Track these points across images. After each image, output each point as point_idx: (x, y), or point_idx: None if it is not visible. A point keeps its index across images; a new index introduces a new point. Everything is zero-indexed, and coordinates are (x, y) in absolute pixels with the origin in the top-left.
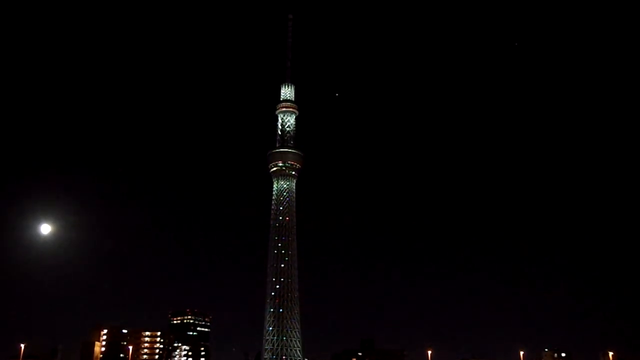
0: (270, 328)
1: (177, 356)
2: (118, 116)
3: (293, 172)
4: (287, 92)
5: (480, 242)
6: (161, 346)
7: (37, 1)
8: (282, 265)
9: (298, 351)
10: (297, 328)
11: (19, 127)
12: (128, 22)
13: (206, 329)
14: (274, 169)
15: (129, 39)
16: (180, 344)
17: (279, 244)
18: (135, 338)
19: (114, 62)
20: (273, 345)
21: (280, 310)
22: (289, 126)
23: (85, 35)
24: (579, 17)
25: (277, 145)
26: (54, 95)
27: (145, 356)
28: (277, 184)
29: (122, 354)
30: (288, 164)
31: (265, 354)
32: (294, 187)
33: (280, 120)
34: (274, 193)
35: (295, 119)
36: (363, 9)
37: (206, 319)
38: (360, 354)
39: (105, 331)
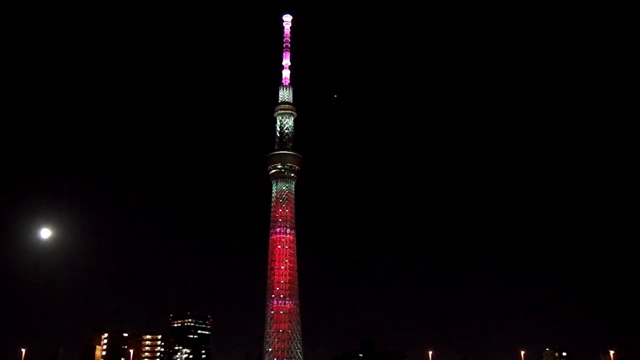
0: (271, 330)
1: (178, 359)
2: (118, 119)
3: (292, 174)
4: (285, 94)
5: (480, 242)
6: (162, 349)
7: (37, 1)
8: (282, 267)
9: (299, 353)
10: (298, 330)
11: (19, 131)
12: (128, 23)
13: (207, 332)
14: (273, 171)
15: (128, 41)
16: (181, 347)
17: (279, 246)
18: (136, 341)
19: (113, 64)
20: (274, 347)
21: (281, 312)
22: (287, 128)
23: (85, 37)
24: (579, 17)
25: (276, 147)
26: (54, 98)
27: (146, 359)
28: (277, 185)
29: (123, 357)
30: (287, 166)
31: (266, 356)
32: (293, 189)
33: (278, 122)
34: (273, 195)
35: (294, 120)
36: (362, 9)
37: (207, 322)
38: (360, 355)
39: (106, 335)
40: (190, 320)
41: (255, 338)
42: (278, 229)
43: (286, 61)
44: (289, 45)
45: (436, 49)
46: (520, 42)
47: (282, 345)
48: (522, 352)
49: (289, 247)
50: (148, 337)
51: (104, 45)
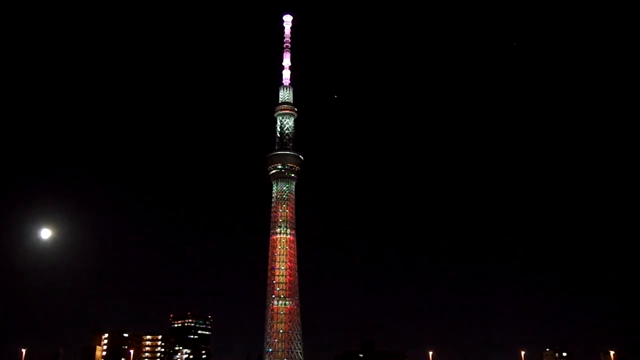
0: (271, 330)
1: (179, 359)
2: (118, 119)
3: (292, 175)
4: (285, 94)
5: (480, 242)
6: (162, 350)
7: (37, 1)
8: (282, 267)
9: (299, 353)
10: (298, 330)
11: (19, 131)
12: (128, 23)
13: (207, 332)
14: (273, 171)
15: (128, 41)
16: (181, 347)
17: (279, 246)
18: (136, 342)
19: (114, 64)
20: (274, 348)
21: (281, 312)
22: (287, 129)
23: (85, 37)
24: (579, 17)
25: (276, 147)
26: (53, 98)
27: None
28: (277, 186)
29: (124, 358)
30: (287, 166)
31: (266, 356)
32: (294, 189)
33: (279, 123)
34: (273, 195)
35: (294, 121)
36: (362, 9)
37: (207, 322)
38: (361, 355)
39: (106, 335)
40: (190, 320)
41: (255, 338)
42: (278, 229)
43: (286, 61)
44: (290, 46)
45: (436, 49)
46: (521, 43)
47: (282, 345)
48: (522, 352)
49: (289, 247)
50: (148, 337)
51: (104, 45)
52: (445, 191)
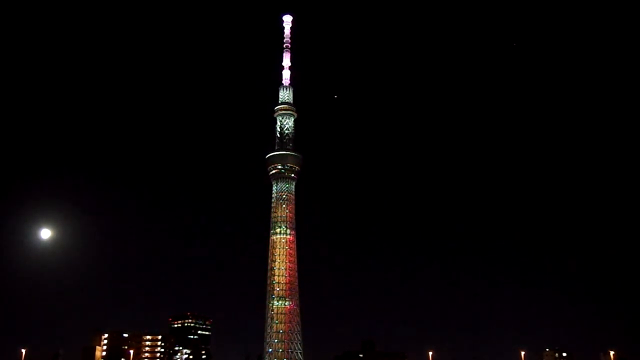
0: (271, 330)
1: (179, 359)
2: (118, 120)
3: (292, 175)
4: (285, 94)
5: (480, 243)
6: (162, 350)
7: (37, 1)
8: (282, 267)
9: (299, 353)
10: (298, 330)
11: (19, 132)
12: (128, 23)
13: (207, 332)
14: (273, 171)
15: (128, 41)
16: (181, 348)
17: (279, 246)
18: (136, 342)
19: (113, 66)
20: (274, 347)
21: (281, 312)
22: (287, 129)
23: (85, 37)
24: (579, 17)
25: (276, 147)
26: (54, 98)
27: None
28: (277, 186)
29: (123, 358)
30: (287, 166)
31: (266, 356)
32: (294, 189)
33: (279, 123)
34: (273, 195)
35: (294, 121)
36: (362, 9)
37: (207, 322)
38: (361, 355)
39: (106, 335)
40: (190, 320)
41: (255, 338)
42: (278, 229)
43: (286, 62)
44: (290, 46)
45: (436, 49)
46: (521, 43)
47: (282, 346)
48: (522, 352)
49: (289, 247)
50: (148, 337)
51: (104, 46)
52: (445, 191)
